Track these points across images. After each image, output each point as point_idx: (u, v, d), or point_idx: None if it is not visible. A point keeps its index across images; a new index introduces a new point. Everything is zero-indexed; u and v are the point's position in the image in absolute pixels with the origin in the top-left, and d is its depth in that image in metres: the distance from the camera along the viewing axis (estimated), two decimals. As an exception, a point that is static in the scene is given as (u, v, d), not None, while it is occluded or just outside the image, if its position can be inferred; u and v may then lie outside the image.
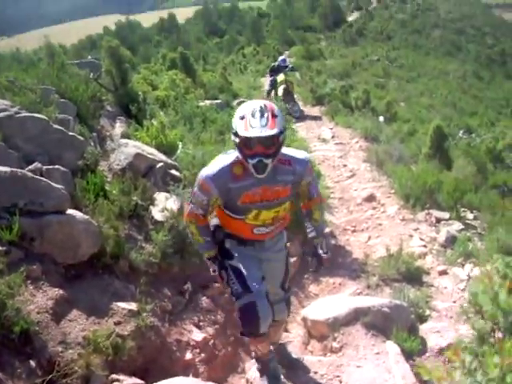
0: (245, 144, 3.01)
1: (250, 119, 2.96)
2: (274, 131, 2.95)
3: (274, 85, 16.53)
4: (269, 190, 3.19)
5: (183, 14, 58.50)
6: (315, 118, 15.69)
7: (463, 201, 8.04)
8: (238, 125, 3.01)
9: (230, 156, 3.18)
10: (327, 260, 3.62)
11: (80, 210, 4.39)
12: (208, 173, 3.14)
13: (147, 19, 57.86)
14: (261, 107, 2.98)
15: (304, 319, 4.92)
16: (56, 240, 3.96)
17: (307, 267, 4.33)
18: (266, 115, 2.96)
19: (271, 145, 3.00)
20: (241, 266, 3.34)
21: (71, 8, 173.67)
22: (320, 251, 3.56)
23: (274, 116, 2.99)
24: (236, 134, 3.03)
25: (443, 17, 55.81)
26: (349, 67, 25.65)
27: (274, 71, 16.71)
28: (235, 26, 47.02)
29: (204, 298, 4.98)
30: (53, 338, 3.40)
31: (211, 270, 3.48)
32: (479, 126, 16.80)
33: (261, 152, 2.99)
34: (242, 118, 3.00)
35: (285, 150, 3.21)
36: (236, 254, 3.40)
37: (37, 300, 3.54)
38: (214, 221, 3.54)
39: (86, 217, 4.29)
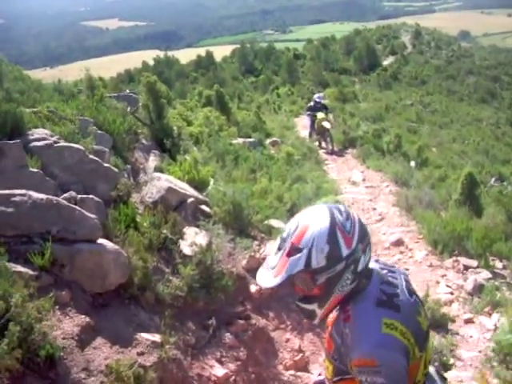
0: None
1: (271, 249, 2.10)
2: (276, 281, 1.92)
3: (313, 124, 17.22)
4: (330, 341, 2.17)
5: (220, 52, 59.50)
6: (346, 161, 15.75)
7: (492, 249, 7.93)
8: None
9: None
10: None
11: (110, 240, 4.47)
12: None
13: (185, 56, 58.95)
14: (284, 236, 1.97)
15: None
16: (85, 268, 4.03)
17: None
18: (280, 252, 1.95)
19: (300, 286, 2.04)
20: None
21: (112, 42, 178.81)
22: None
23: (290, 253, 1.92)
24: None
25: (478, 63, 55.80)
26: (382, 111, 25.57)
27: (312, 110, 17.23)
28: (271, 65, 47.46)
29: (227, 333, 4.98)
30: (76, 365, 3.43)
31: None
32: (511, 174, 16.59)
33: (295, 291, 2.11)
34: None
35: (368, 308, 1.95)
36: None
37: (63, 326, 3.59)
38: None
39: (116, 247, 4.36)
